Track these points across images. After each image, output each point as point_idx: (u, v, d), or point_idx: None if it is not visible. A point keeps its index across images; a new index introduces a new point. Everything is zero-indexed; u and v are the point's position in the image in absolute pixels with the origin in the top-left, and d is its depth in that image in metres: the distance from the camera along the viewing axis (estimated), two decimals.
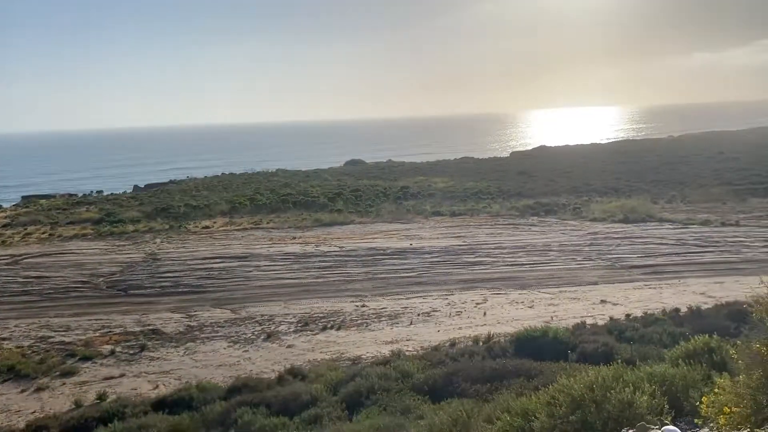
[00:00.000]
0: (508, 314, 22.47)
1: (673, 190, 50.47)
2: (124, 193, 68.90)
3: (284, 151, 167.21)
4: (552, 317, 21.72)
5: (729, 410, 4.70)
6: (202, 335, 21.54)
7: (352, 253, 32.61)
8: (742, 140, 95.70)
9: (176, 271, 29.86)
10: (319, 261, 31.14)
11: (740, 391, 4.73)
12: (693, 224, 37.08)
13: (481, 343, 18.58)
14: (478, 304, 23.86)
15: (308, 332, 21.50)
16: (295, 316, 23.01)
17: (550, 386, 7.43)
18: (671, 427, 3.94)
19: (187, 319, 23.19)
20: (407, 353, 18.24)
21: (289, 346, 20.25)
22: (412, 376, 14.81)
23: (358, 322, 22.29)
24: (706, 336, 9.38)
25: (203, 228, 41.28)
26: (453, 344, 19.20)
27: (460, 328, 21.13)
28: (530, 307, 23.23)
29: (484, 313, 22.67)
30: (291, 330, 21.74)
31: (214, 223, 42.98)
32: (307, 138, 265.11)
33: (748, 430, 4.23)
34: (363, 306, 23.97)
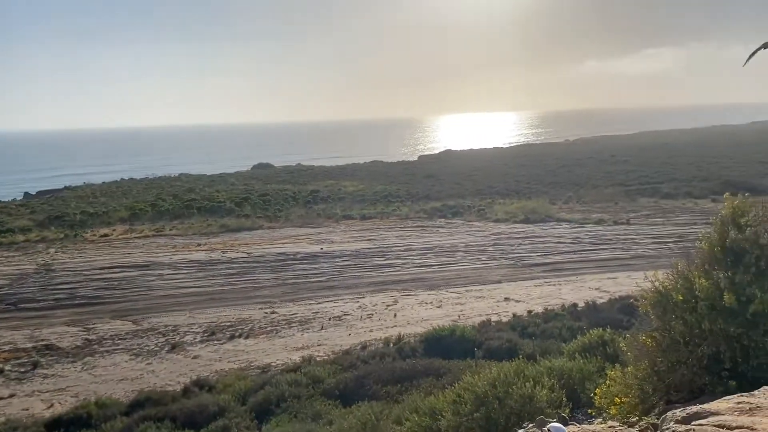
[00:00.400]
0: (418, 315, 22.81)
1: (569, 191, 53.05)
2: (14, 200, 64.29)
3: (189, 155, 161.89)
4: (459, 316, 22.26)
5: (619, 400, 4.97)
6: (102, 349, 20.44)
7: (261, 258, 32.03)
8: (631, 144, 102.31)
9: (72, 283, 28.18)
10: (226, 268, 30.36)
11: (629, 382, 5.02)
12: (588, 223, 39.15)
13: (391, 345, 18.75)
14: (388, 306, 24.07)
15: (215, 342, 20.90)
16: (201, 326, 22.30)
17: (456, 384, 7.60)
18: (556, 425, 4.12)
19: (84, 333, 21.93)
20: (318, 359, 18.13)
21: (195, 357, 19.60)
22: (323, 382, 14.74)
23: (268, 329, 21.91)
24: (601, 330, 9.91)
25: (101, 236, 39.24)
26: (364, 347, 19.26)
27: (371, 331, 21.22)
28: (439, 307, 23.69)
29: (395, 315, 22.90)
30: (197, 340, 21.05)
31: (113, 230, 40.93)
32: (213, 141, 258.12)
33: (637, 417, 4.49)
34: (272, 312, 23.59)
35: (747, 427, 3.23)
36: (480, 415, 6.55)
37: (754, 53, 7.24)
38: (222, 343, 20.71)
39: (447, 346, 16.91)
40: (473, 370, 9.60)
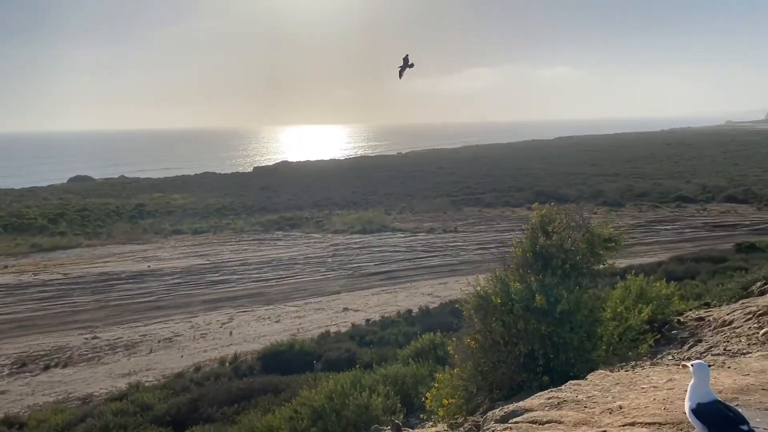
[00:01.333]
0: (255, 331, 22.29)
1: (403, 202, 55.15)
2: None
3: None
4: (298, 330, 22.10)
5: (447, 402, 5.20)
6: None
7: (80, 279, 29.40)
8: (456, 157, 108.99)
9: None
10: (39, 291, 27.44)
11: (455, 383, 5.27)
12: (420, 232, 40.96)
13: (227, 364, 18.11)
14: (223, 324, 23.24)
15: (27, 374, 18.79)
16: (8, 357, 19.93)
17: (293, 400, 7.49)
18: None
19: None
20: (147, 384, 17.00)
21: (1, 393, 17.44)
22: (152, 408, 13.79)
23: (89, 356, 20.13)
24: (432, 334, 10.35)
25: None
26: (198, 368, 18.39)
27: (205, 351, 20.35)
28: (277, 322, 23.35)
29: (231, 333, 22.18)
30: (4, 373, 18.81)
31: None
32: (20, 151, 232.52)
33: (462, 418, 4.72)
34: (94, 338, 21.73)
35: (556, 421, 3.53)
36: (317, 429, 6.51)
37: (402, 70, 8.35)
38: (35, 375, 18.67)
39: (286, 361, 16.68)
40: (311, 384, 9.55)
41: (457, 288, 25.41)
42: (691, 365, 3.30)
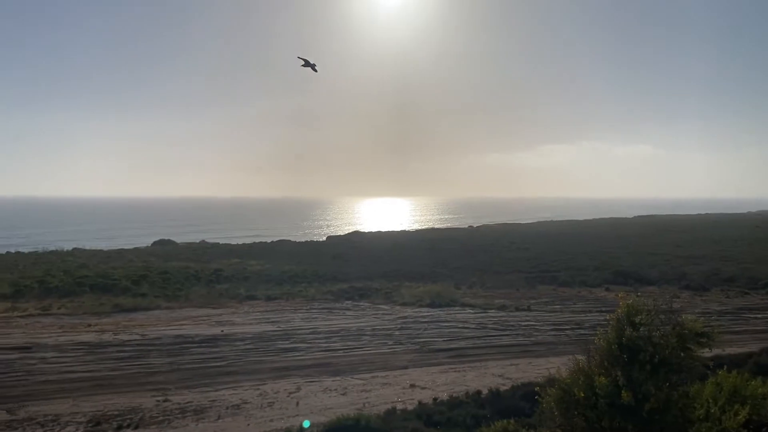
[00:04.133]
0: (322, 403, 22.07)
1: (473, 277, 54.32)
2: None
3: (83, 229, 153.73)
4: (364, 404, 21.74)
5: None
6: None
7: (156, 341, 30.27)
8: (530, 232, 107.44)
9: None
10: (117, 351, 28.39)
11: None
12: (491, 309, 40.04)
13: None
14: (291, 393, 23.17)
15: None
16: (85, 415, 20.46)
17: None
18: None
19: None
20: None
21: None
22: None
23: (159, 419, 20.42)
24: (505, 421, 9.93)
25: None
26: None
27: (271, 420, 20.26)
28: (343, 395, 23.07)
29: (297, 403, 22.04)
30: (79, 431, 19.26)
31: None
32: (110, 215, 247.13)
33: None
34: (165, 401, 22.08)
35: None
36: None
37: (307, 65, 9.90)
38: None
39: None
40: None
41: (530, 370, 24.63)
42: None
